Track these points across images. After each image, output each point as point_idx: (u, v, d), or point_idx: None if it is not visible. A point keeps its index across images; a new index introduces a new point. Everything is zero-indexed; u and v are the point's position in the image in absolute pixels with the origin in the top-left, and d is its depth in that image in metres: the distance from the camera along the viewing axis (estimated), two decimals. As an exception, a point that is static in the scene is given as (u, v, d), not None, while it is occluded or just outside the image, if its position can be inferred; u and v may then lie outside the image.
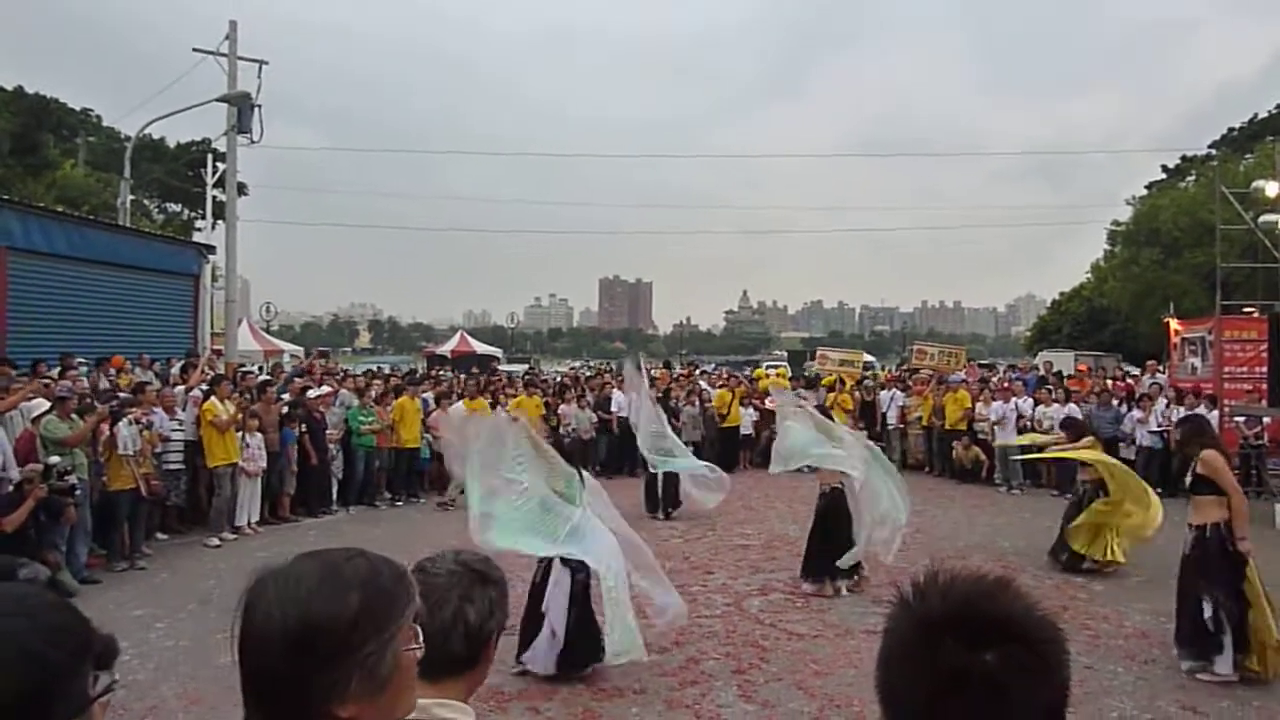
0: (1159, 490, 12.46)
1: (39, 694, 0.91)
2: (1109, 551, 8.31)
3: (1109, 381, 16.48)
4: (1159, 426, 13.23)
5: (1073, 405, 13.60)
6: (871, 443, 8.94)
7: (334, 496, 12.18)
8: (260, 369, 18.09)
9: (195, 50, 17.05)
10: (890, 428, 16.18)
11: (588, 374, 22.39)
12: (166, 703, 5.37)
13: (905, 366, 20.73)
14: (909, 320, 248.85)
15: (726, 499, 11.71)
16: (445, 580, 1.49)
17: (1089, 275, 37.91)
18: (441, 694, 1.41)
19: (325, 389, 12.54)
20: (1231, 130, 37.57)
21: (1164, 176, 37.70)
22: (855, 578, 7.80)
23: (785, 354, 53.85)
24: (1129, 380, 17.27)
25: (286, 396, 12.01)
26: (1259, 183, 13.87)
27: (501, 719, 5.12)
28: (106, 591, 7.91)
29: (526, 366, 28.27)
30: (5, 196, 16.78)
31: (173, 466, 10.17)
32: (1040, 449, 10.66)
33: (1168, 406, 13.35)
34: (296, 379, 13.10)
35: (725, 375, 20.09)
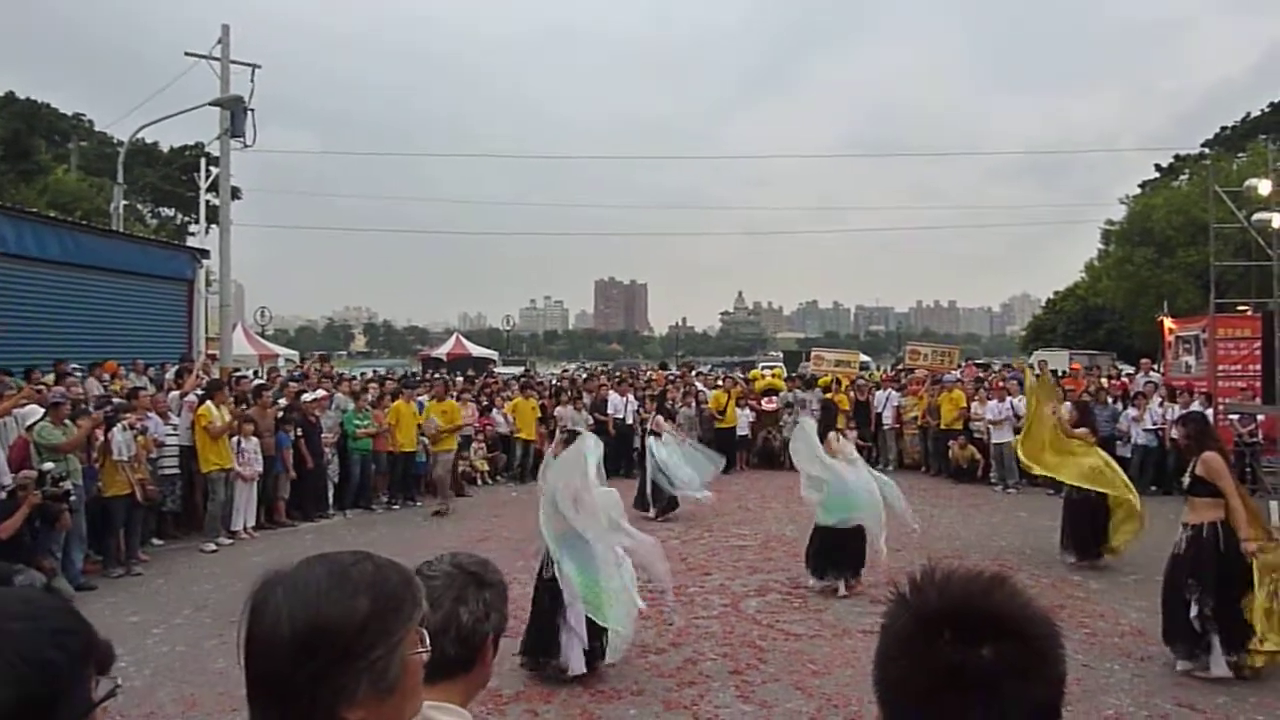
0: (1154, 488, 12.60)
1: (42, 699, 0.90)
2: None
3: (1105, 380, 16.53)
4: (1153, 425, 13.28)
5: (1068, 404, 13.61)
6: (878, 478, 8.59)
7: (330, 501, 12.15)
8: (255, 373, 18.06)
9: (188, 54, 17.03)
10: (886, 428, 16.19)
11: (584, 376, 22.40)
12: (164, 708, 5.35)
13: (900, 367, 20.77)
14: (904, 320, 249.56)
15: (722, 499, 11.71)
16: (440, 582, 1.49)
17: (1083, 274, 38.01)
18: (439, 697, 1.40)
19: (320, 392, 12.52)
20: (1224, 129, 37.72)
21: (1157, 175, 37.83)
22: (857, 578, 7.80)
23: (781, 355, 53.94)
24: (1124, 379, 17.32)
25: (282, 401, 11.99)
26: (1252, 181, 13.87)
27: (499, 722, 5.12)
28: (102, 598, 7.88)
29: (522, 369, 28.26)
30: (-2, 202, 16.70)
31: (168, 472, 10.14)
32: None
33: (1160, 405, 13.40)
34: (291, 383, 13.06)
35: (722, 376, 20.10)
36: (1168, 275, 26.43)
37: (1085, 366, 20.46)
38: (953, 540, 10.10)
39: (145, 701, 5.40)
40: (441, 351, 34.32)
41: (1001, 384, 15.09)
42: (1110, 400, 14.21)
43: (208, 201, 25.74)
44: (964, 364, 20.21)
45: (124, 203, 19.30)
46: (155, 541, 9.98)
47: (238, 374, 14.29)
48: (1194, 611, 5.65)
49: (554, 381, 19.75)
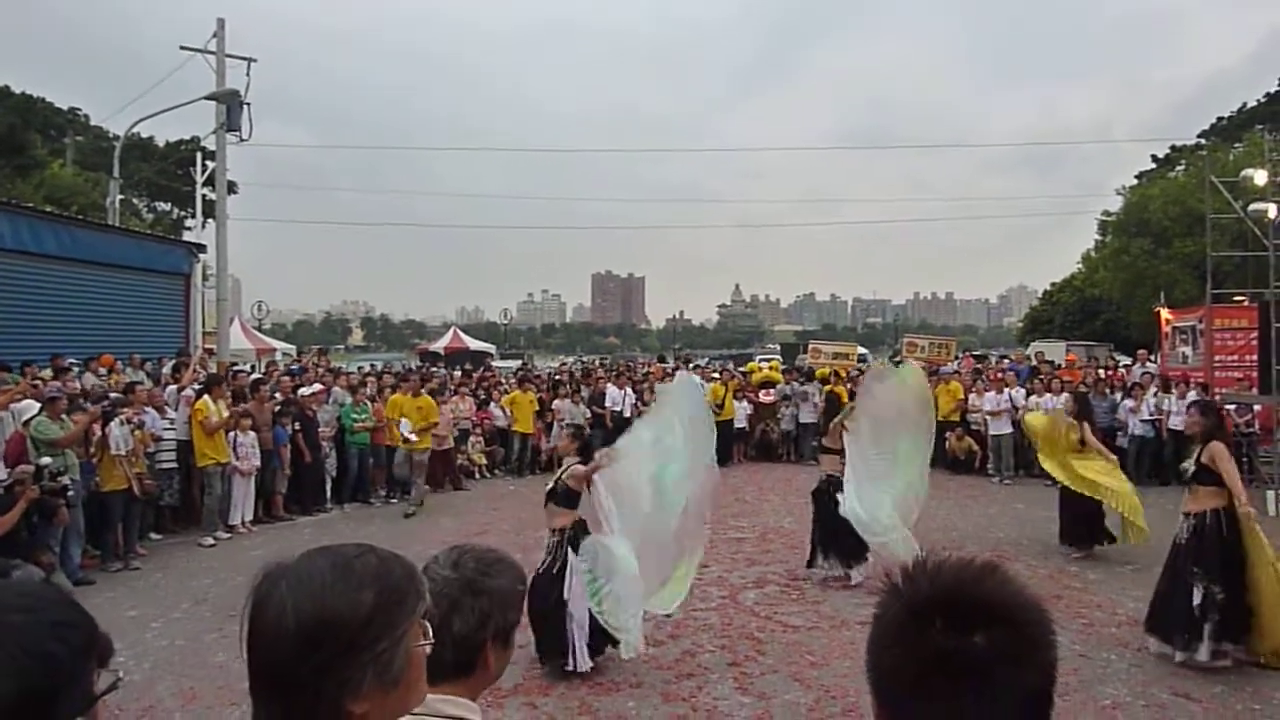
0: (1150, 478, 12.63)
1: (44, 691, 0.90)
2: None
3: (1102, 371, 16.56)
4: (1150, 415, 13.31)
5: (1066, 395, 13.65)
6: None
7: (328, 494, 12.17)
8: (252, 368, 18.04)
9: (183, 48, 16.91)
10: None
11: (581, 369, 22.38)
12: (162, 702, 5.36)
13: (897, 359, 20.76)
14: (901, 312, 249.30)
15: (720, 492, 11.71)
16: (436, 587, 1.43)
17: (1080, 265, 37.95)
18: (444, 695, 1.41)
19: (318, 386, 12.51)
20: (1221, 119, 37.67)
21: (1154, 166, 37.76)
22: (864, 566, 7.81)
23: (778, 347, 53.90)
24: (1121, 370, 17.34)
25: (277, 395, 11.98)
26: (1248, 171, 13.86)
27: (498, 715, 5.13)
28: (101, 592, 7.88)
29: (520, 362, 28.19)
30: (-7, 197, 16.65)
31: (165, 466, 10.13)
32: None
33: (1154, 395, 13.44)
34: (285, 378, 13.05)
35: (719, 369, 20.10)
36: (1165, 266, 26.39)
37: (1086, 358, 20.50)
38: (950, 531, 10.12)
39: (145, 695, 5.41)
40: (439, 345, 34.28)
41: (999, 375, 15.12)
42: (1109, 391, 14.24)
43: (204, 196, 25.69)
44: (961, 355, 20.23)
45: (120, 197, 19.22)
46: (153, 536, 9.99)
47: (235, 368, 14.29)
48: (1197, 599, 5.66)
49: (552, 375, 19.72)
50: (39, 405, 8.41)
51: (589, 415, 15.15)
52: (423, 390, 13.06)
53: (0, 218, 12.61)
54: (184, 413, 10.37)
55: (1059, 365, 17.77)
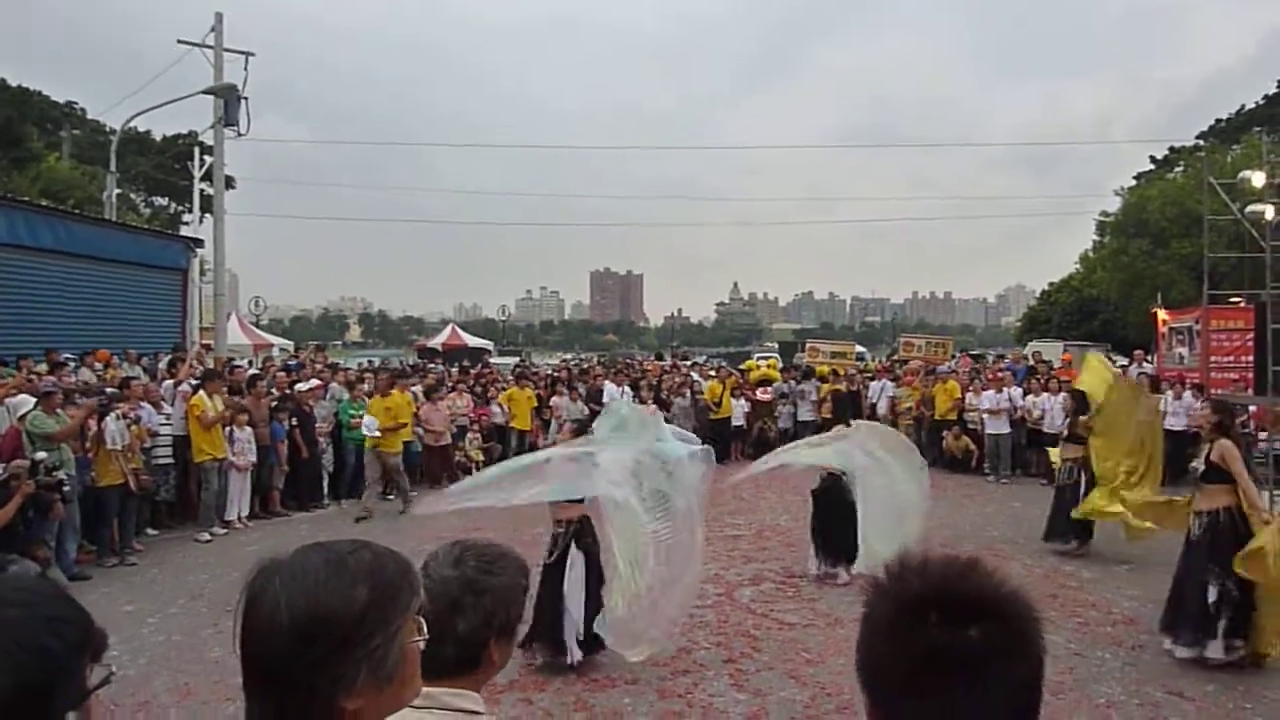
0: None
1: (40, 686, 0.90)
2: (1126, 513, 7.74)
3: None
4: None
5: (1064, 395, 13.68)
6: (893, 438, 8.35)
7: (325, 490, 12.16)
8: (250, 363, 18.00)
9: (180, 42, 16.88)
10: (880, 418, 16.21)
11: (579, 366, 22.38)
12: (158, 697, 5.36)
13: (895, 358, 20.79)
14: (899, 311, 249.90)
15: (717, 490, 11.71)
16: (436, 588, 1.43)
17: (1078, 266, 38.01)
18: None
19: (315, 382, 12.50)
20: (1219, 121, 37.74)
21: (1152, 167, 37.81)
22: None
23: (776, 345, 53.95)
24: (1119, 370, 17.35)
25: (275, 391, 11.96)
26: (1246, 173, 13.86)
27: (494, 710, 5.12)
28: (97, 587, 7.87)
29: (518, 359, 28.17)
30: (-11, 190, 16.62)
31: (162, 461, 10.11)
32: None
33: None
34: (282, 374, 13.02)
35: (717, 368, 20.12)
36: (1162, 266, 26.44)
37: (1074, 358, 20.49)
38: (945, 530, 10.13)
39: (140, 690, 5.41)
40: (437, 342, 34.23)
41: (997, 375, 15.14)
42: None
43: (201, 190, 25.66)
44: (959, 355, 20.24)
45: (117, 191, 19.19)
46: (150, 531, 9.97)
47: (232, 364, 14.26)
48: (1213, 596, 5.65)
49: (550, 372, 19.72)
50: (34, 400, 8.39)
51: (587, 412, 15.14)
52: (393, 390, 11.99)
53: (-3, 211, 12.59)
54: (180, 408, 10.35)
55: (1057, 365, 17.80)
